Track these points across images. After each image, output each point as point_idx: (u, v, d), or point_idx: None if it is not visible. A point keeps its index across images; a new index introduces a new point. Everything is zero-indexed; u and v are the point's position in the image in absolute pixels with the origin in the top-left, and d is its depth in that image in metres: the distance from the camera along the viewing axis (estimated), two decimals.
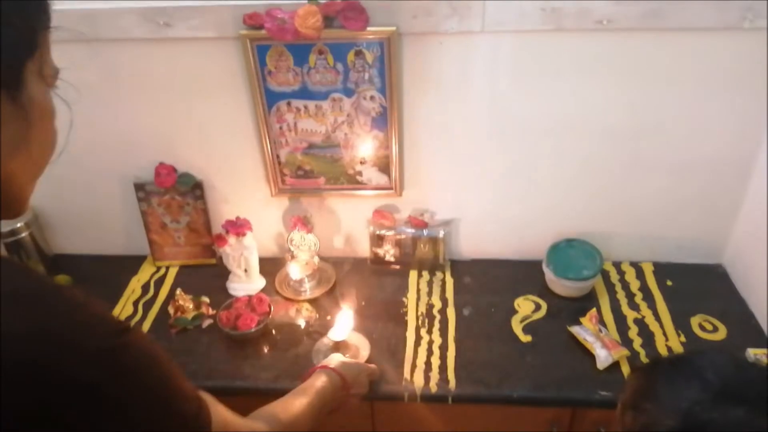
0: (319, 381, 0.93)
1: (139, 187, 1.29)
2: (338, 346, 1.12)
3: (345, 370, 0.98)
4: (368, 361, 1.10)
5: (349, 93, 1.15)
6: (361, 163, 1.25)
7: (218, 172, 1.29)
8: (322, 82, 1.14)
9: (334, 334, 1.11)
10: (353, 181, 1.28)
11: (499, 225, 1.32)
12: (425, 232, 1.31)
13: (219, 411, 0.63)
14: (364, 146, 1.22)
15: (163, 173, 1.27)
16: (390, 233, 1.32)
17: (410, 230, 1.32)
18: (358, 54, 1.10)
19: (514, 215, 1.30)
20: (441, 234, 1.30)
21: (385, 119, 1.17)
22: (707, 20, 1.00)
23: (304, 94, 1.15)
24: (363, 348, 1.14)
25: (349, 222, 1.35)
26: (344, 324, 1.13)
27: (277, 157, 1.25)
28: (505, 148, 1.20)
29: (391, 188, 1.28)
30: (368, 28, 1.05)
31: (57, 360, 0.44)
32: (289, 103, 1.17)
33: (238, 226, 1.23)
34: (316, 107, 1.17)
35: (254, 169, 1.27)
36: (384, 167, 1.25)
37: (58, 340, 0.44)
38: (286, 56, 1.11)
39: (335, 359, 1.01)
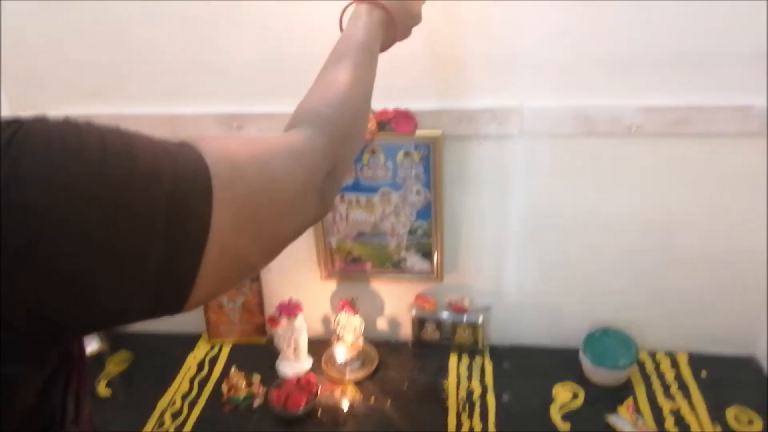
0: (357, 30, 0.73)
1: None
2: None
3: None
4: None
5: (397, 187, 1.26)
6: (405, 249, 1.34)
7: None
8: (373, 177, 1.25)
9: None
10: (398, 267, 1.36)
11: (537, 312, 1.37)
12: (465, 317, 1.37)
13: (220, 142, 0.47)
14: (409, 235, 1.31)
15: None
16: (431, 317, 1.39)
17: (450, 315, 1.38)
18: (407, 154, 1.21)
19: (550, 303, 1.36)
20: (480, 319, 1.36)
21: (429, 211, 1.27)
22: (731, 127, 1.09)
23: (357, 188, 1.27)
24: None
25: (393, 305, 1.43)
26: None
27: (329, 243, 1.35)
28: (541, 241, 1.28)
29: (433, 274, 1.36)
30: (417, 133, 1.17)
31: None
32: (342, 196, 1.28)
33: (291, 308, 1.32)
34: (367, 200, 1.28)
35: (308, 254, 1.37)
36: (427, 254, 1.33)
37: None
38: None
39: None
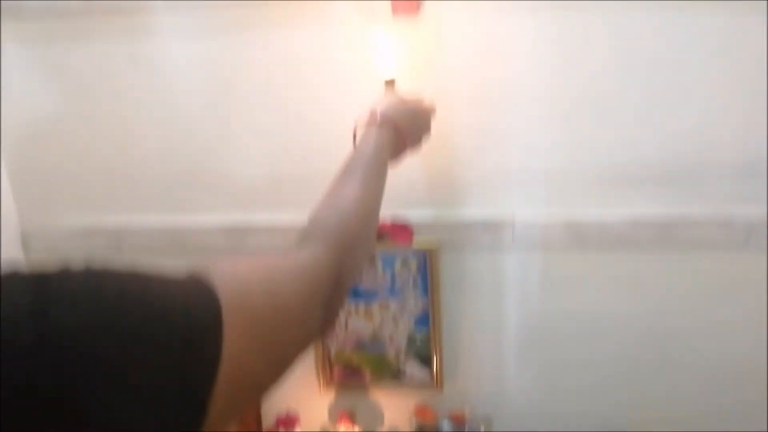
0: (367, 146, 0.77)
1: None
2: (389, 89, 0.94)
3: (397, 115, 0.83)
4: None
5: (395, 296, 1.28)
6: (404, 358, 1.33)
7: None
8: (372, 287, 1.28)
9: (384, 71, 0.93)
10: (397, 376, 1.35)
11: (538, 419, 1.35)
12: (466, 426, 1.34)
13: (232, 274, 0.49)
14: (408, 343, 1.32)
15: None
16: (432, 429, 1.36)
17: (451, 425, 1.35)
18: (404, 263, 1.25)
19: (551, 410, 1.33)
20: (481, 429, 1.33)
21: (428, 319, 1.29)
22: (715, 240, 1.13)
23: (356, 296, 1.29)
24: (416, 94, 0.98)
25: (393, 416, 1.40)
26: (389, 53, 0.95)
27: (328, 352, 1.35)
28: (540, 348, 1.28)
29: (432, 382, 1.34)
30: (413, 242, 1.21)
31: None
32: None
33: (288, 421, 1.30)
34: (366, 308, 1.30)
35: (306, 364, 1.36)
36: (426, 362, 1.33)
37: None
38: None
39: (383, 102, 0.85)
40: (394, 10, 1.03)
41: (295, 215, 1.22)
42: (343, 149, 0.81)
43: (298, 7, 1.08)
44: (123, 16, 1.13)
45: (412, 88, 1.05)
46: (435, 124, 1.11)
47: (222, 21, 1.12)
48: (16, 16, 1.14)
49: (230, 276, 0.49)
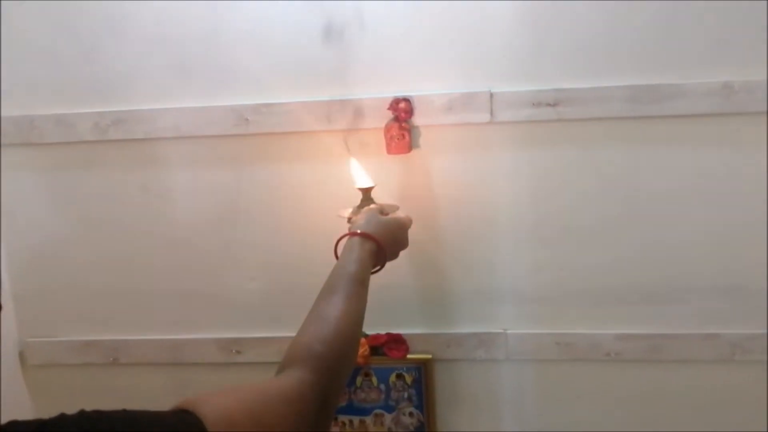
0: (350, 263, 0.81)
1: None
2: (366, 199, 1.02)
3: (377, 229, 0.88)
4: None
5: (390, 409, 1.28)
6: None
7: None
8: (366, 399, 1.28)
9: (360, 181, 1.03)
10: None
11: None
12: None
13: (217, 402, 0.54)
14: None
15: None
16: None
17: None
18: (399, 376, 1.25)
19: None
20: None
21: None
22: (703, 354, 1.16)
23: (350, 410, 1.28)
24: (391, 204, 1.06)
25: None
26: (360, 171, 1.04)
27: None
28: None
29: None
30: (408, 356, 1.23)
31: None
32: (336, 419, 1.29)
33: None
34: (360, 422, 1.29)
35: None
36: None
37: None
38: None
39: (363, 218, 0.91)
40: (389, 149, 1.11)
41: (288, 329, 1.24)
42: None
43: (294, 141, 1.16)
44: (133, 146, 1.20)
45: (388, 199, 1.13)
46: (428, 244, 1.17)
47: (225, 151, 1.19)
48: (29, 142, 1.20)
49: (217, 407, 0.53)
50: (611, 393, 1.21)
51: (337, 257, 0.90)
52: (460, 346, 1.22)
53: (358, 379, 1.26)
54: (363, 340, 1.22)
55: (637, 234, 1.14)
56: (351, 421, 1.29)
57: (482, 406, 1.26)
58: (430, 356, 1.23)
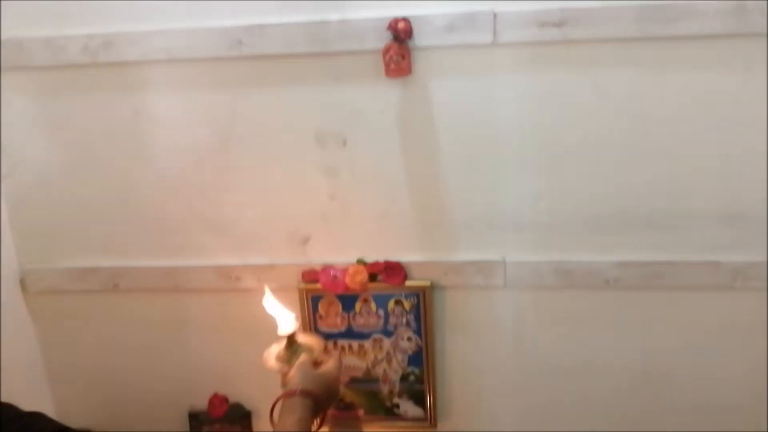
0: (293, 424, 0.85)
1: (193, 416, 1.40)
2: (291, 344, 1.05)
3: (314, 385, 0.92)
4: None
5: (388, 334, 1.30)
6: (398, 396, 1.35)
7: (267, 403, 1.39)
8: (365, 325, 1.29)
9: (283, 327, 1.05)
10: (390, 413, 1.36)
11: None
12: None
13: None
14: (401, 381, 1.33)
15: (216, 404, 1.38)
16: None
17: None
18: (398, 303, 1.27)
19: None
20: None
21: (421, 357, 1.30)
22: (702, 281, 1.16)
23: (350, 334, 1.30)
24: (314, 343, 1.09)
25: None
26: (281, 312, 1.07)
27: None
28: (532, 386, 1.30)
29: (426, 420, 1.35)
30: (406, 283, 1.24)
31: None
32: (335, 342, 1.32)
33: None
34: (359, 346, 1.31)
35: None
36: (419, 400, 1.34)
37: None
38: (335, 304, 1.28)
39: (298, 374, 0.94)
40: (387, 71, 1.08)
41: (286, 256, 1.25)
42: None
43: (289, 64, 1.13)
44: (125, 69, 1.16)
45: (310, 340, 1.12)
46: (427, 171, 1.15)
47: (219, 75, 1.16)
48: (18, 66, 1.17)
49: None
50: (610, 320, 1.22)
51: (272, 419, 0.93)
52: (458, 274, 1.22)
53: (357, 305, 1.28)
54: (361, 267, 1.23)
55: (641, 160, 1.11)
56: (350, 346, 1.32)
57: (480, 332, 1.27)
58: (428, 283, 1.23)
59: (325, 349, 1.07)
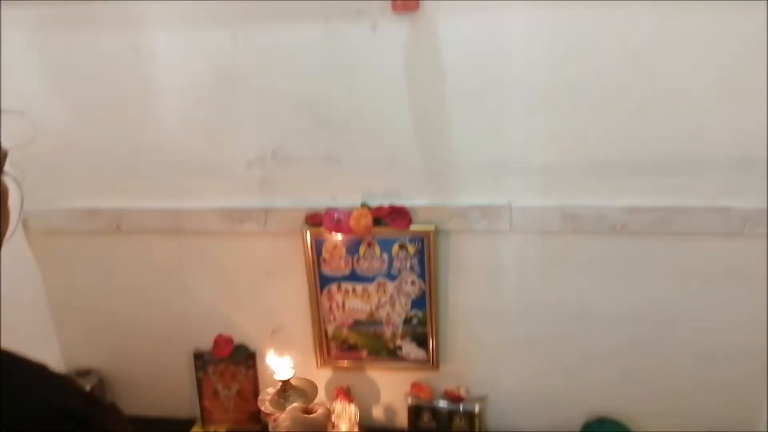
0: None
1: (198, 356, 1.42)
2: (285, 390, 1.16)
3: (301, 428, 0.95)
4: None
5: (392, 278, 1.29)
6: (401, 338, 1.36)
7: (271, 344, 1.41)
8: (369, 269, 1.29)
9: (279, 374, 1.16)
10: (393, 355, 1.38)
11: (533, 401, 1.38)
12: (461, 406, 1.37)
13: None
14: (405, 324, 1.34)
15: (221, 344, 1.39)
16: (427, 406, 1.39)
17: (446, 404, 1.38)
18: (402, 247, 1.26)
19: (546, 392, 1.36)
20: (477, 408, 1.36)
21: (424, 301, 1.30)
22: (711, 227, 1.14)
23: (353, 278, 1.30)
24: (309, 390, 1.18)
25: (388, 393, 1.43)
26: (279, 363, 1.17)
27: (326, 331, 1.37)
28: (536, 331, 1.30)
29: (428, 362, 1.37)
30: (411, 227, 1.22)
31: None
32: (339, 286, 1.31)
33: None
34: (363, 289, 1.31)
35: (304, 341, 1.39)
36: (422, 342, 1.35)
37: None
38: (339, 248, 1.27)
39: (289, 419, 0.98)
40: (394, 6, 1.03)
41: (288, 199, 1.24)
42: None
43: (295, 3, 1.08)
44: (125, 4, 1.12)
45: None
46: (434, 119, 1.12)
47: (220, 11, 1.11)
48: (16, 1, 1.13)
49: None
50: (615, 267, 1.21)
51: None
52: (463, 218, 1.21)
53: (362, 249, 1.27)
54: (367, 211, 1.21)
55: (652, 104, 1.08)
56: (354, 289, 1.32)
57: (484, 277, 1.27)
58: (433, 227, 1.22)
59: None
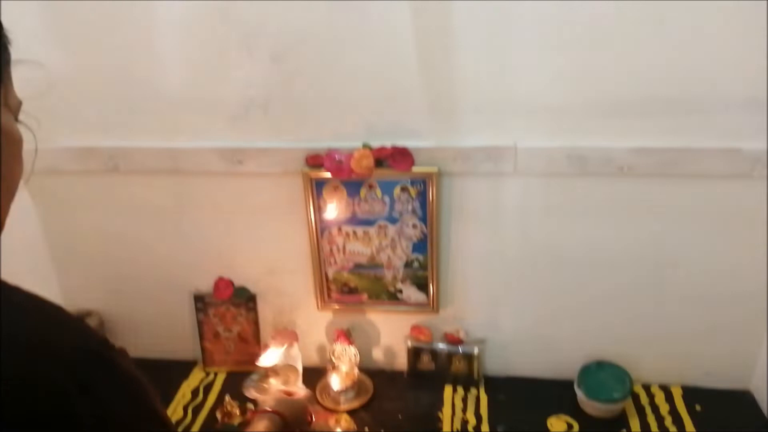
0: (261, 428, 0.94)
1: (198, 298, 1.42)
2: (269, 374, 1.21)
3: (284, 408, 1.00)
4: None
5: (393, 221, 1.28)
6: (401, 281, 1.35)
7: (271, 286, 1.41)
8: (370, 211, 1.27)
9: (264, 361, 1.22)
10: (393, 298, 1.38)
11: (532, 344, 1.39)
12: (460, 348, 1.39)
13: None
14: (405, 267, 1.33)
15: (222, 286, 1.39)
16: (426, 348, 1.40)
17: (446, 346, 1.39)
18: (404, 189, 1.24)
19: (545, 336, 1.37)
20: (475, 351, 1.37)
21: (425, 244, 1.29)
22: (720, 169, 1.12)
23: (354, 221, 1.29)
24: (292, 374, 1.23)
25: (388, 336, 1.44)
26: (274, 353, 1.24)
27: (326, 274, 1.36)
28: (536, 275, 1.30)
29: (428, 305, 1.37)
30: (413, 169, 1.20)
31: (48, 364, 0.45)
32: (339, 228, 1.30)
33: (286, 338, 1.33)
34: (364, 232, 1.30)
35: (304, 284, 1.39)
36: (422, 286, 1.35)
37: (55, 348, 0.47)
38: (340, 190, 1.25)
39: (272, 398, 1.04)
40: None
41: (289, 139, 1.21)
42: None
43: None
44: None
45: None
46: (438, 56, 1.07)
47: None
48: None
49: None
50: (621, 209, 1.20)
51: None
52: (467, 160, 1.18)
53: (362, 191, 1.25)
54: (369, 152, 1.19)
55: (661, 41, 1.04)
56: (354, 232, 1.30)
57: (487, 220, 1.25)
58: (435, 169, 1.20)
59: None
